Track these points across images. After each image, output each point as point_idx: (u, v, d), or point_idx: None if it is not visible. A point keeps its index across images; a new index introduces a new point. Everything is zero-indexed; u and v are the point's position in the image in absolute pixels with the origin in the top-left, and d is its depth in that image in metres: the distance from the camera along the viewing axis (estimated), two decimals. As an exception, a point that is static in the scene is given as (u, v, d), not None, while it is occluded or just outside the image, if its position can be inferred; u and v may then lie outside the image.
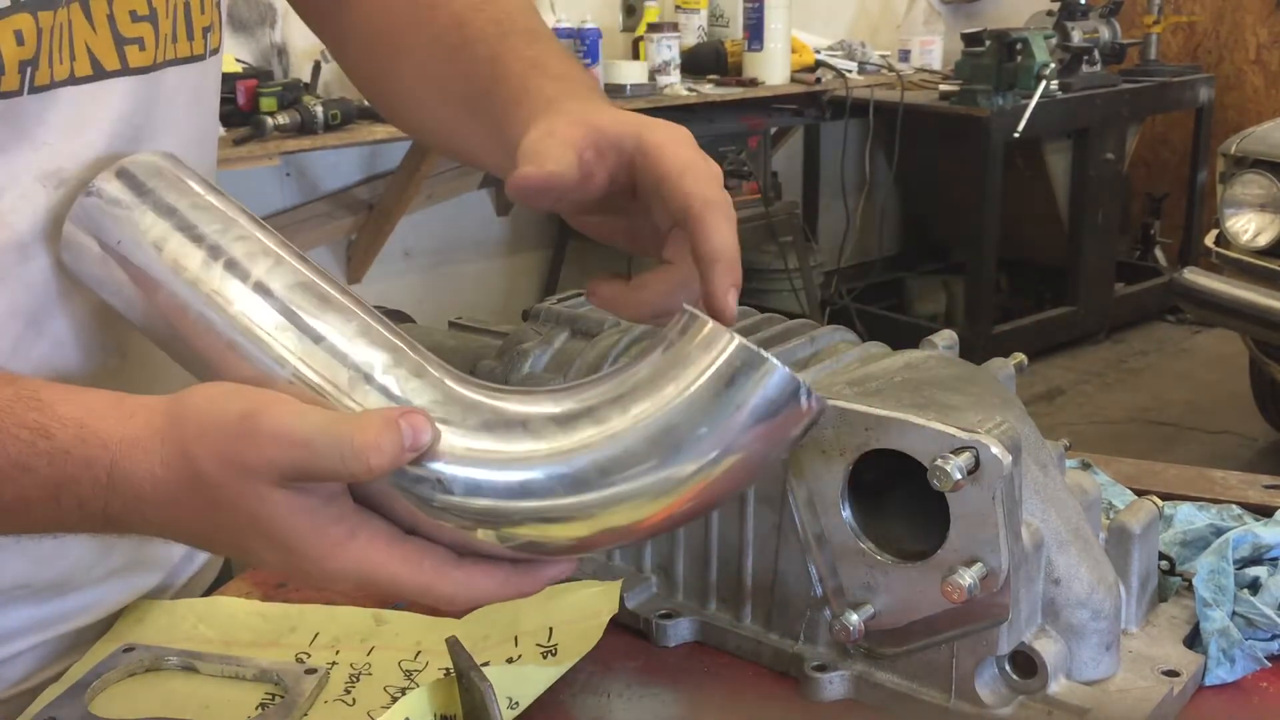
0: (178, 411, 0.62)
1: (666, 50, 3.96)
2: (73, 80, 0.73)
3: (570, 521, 0.59)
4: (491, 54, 0.81)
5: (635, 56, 4.10)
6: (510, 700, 0.69)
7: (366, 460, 0.57)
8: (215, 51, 0.85)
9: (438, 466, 0.59)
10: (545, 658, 0.75)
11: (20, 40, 0.69)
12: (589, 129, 0.69)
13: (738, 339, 0.59)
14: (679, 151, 0.69)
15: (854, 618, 0.69)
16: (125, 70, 0.76)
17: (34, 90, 0.71)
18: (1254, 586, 0.78)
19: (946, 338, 0.83)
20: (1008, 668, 0.70)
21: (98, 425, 0.62)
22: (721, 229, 0.67)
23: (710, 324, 0.59)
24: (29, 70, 0.70)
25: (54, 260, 0.74)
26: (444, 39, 0.86)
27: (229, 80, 3.14)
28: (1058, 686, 0.70)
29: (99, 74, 0.74)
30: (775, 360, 0.58)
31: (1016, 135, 4.25)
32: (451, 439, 0.59)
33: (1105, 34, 4.67)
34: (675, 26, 4.13)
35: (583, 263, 4.31)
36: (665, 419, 0.58)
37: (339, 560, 0.60)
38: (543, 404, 0.61)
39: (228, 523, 0.61)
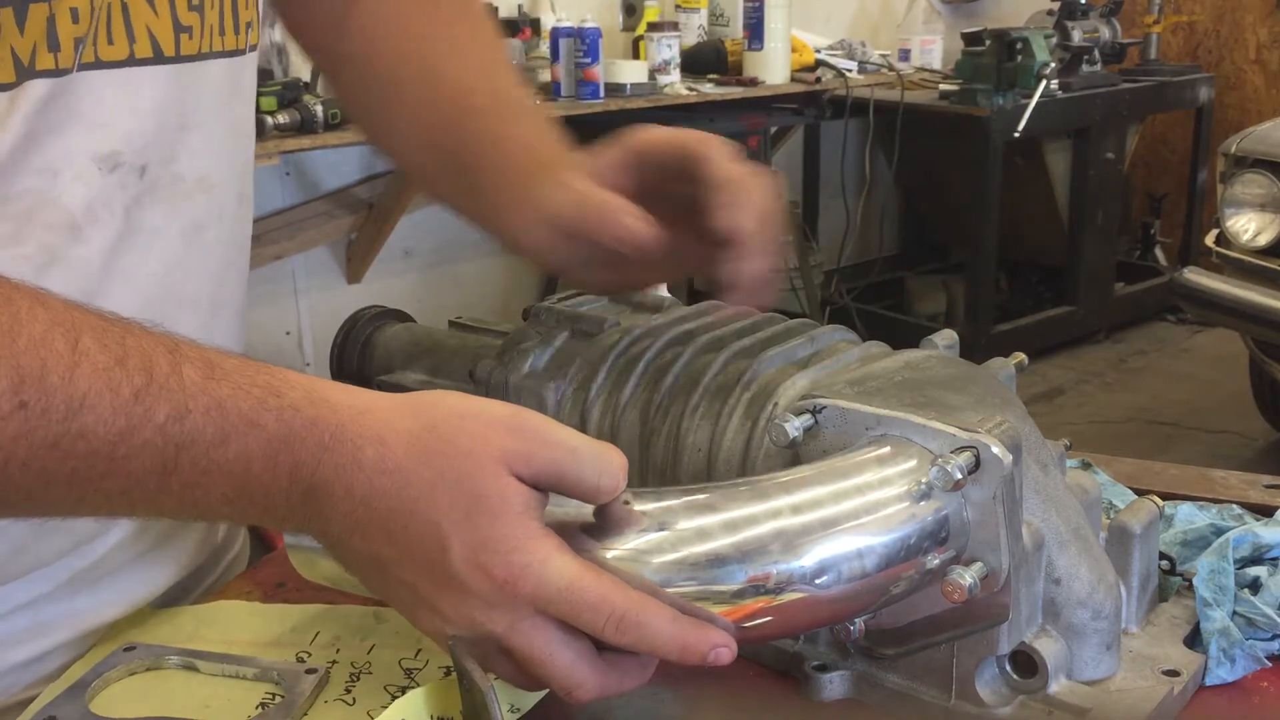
0: (423, 396, 0.65)
1: (666, 49, 3.96)
2: (132, 61, 0.74)
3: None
4: (494, 134, 0.90)
5: (635, 56, 4.10)
6: (511, 706, 0.69)
7: (616, 477, 0.62)
8: (254, 47, 0.87)
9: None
10: None
11: (75, 18, 0.70)
12: (627, 150, 0.82)
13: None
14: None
15: (855, 619, 0.69)
16: (178, 57, 0.77)
17: (89, 67, 0.72)
18: (1254, 586, 0.78)
19: (946, 338, 0.83)
20: (1008, 668, 0.70)
21: (325, 391, 0.63)
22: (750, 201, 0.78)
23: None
24: (81, 47, 0.71)
25: (105, 242, 0.75)
26: (440, 101, 0.93)
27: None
28: (1058, 686, 0.70)
29: (158, 58, 0.76)
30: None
31: (1016, 135, 4.25)
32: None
33: (1105, 33, 4.67)
34: (675, 26, 4.13)
35: (583, 262, 4.30)
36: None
37: (529, 551, 0.60)
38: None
39: (438, 501, 0.60)
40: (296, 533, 0.67)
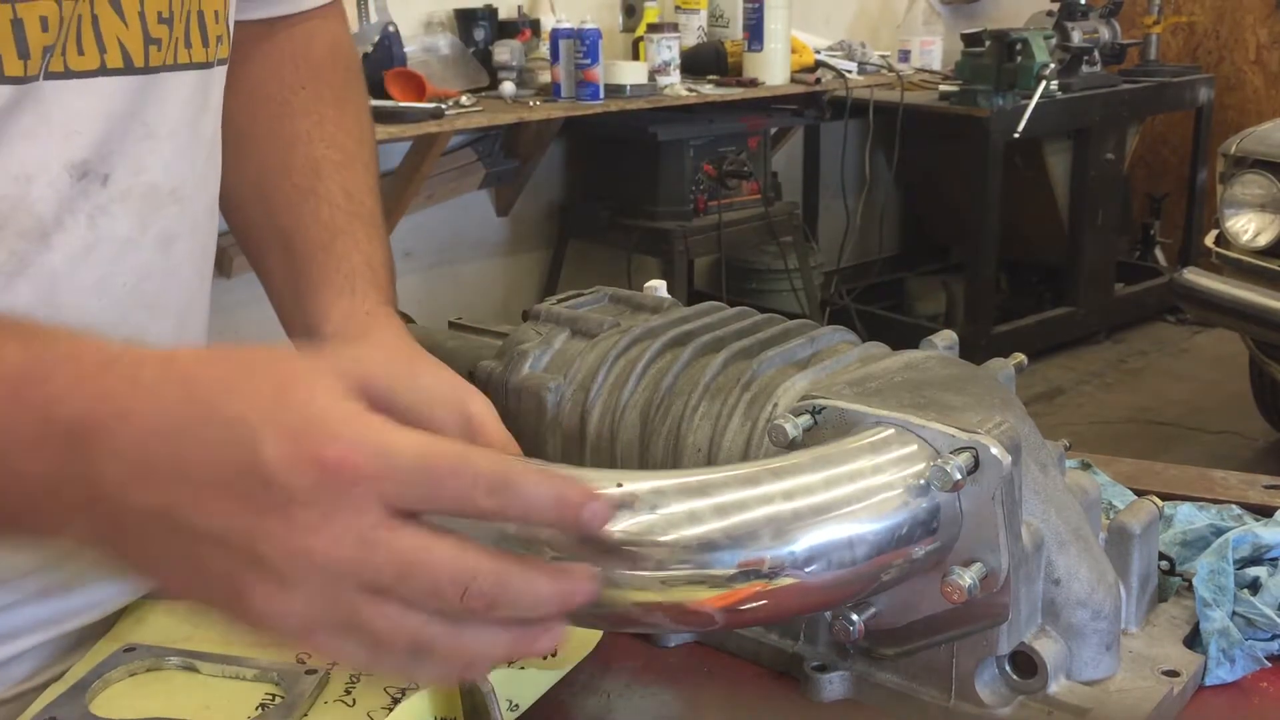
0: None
1: (666, 50, 3.96)
2: (103, 71, 0.75)
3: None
4: (335, 227, 0.91)
5: (635, 56, 4.10)
6: (510, 703, 0.69)
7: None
8: (223, 61, 0.87)
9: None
10: (545, 658, 0.74)
11: (45, 26, 0.70)
12: (415, 390, 0.71)
13: None
14: (499, 427, 0.74)
15: (854, 617, 0.69)
16: (147, 68, 0.78)
17: (58, 76, 0.72)
18: (1254, 586, 0.78)
19: (946, 338, 0.83)
20: (1008, 668, 0.70)
21: (88, 337, 0.54)
22: None
23: None
24: (48, 55, 0.71)
25: (71, 250, 0.76)
26: (296, 179, 0.93)
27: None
28: (1058, 686, 0.70)
29: (128, 68, 0.76)
30: None
31: (1016, 135, 4.25)
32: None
33: (1105, 34, 4.67)
34: (675, 27, 4.13)
35: (583, 263, 4.31)
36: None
37: (363, 425, 0.48)
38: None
39: (239, 391, 0.49)
40: (62, 520, 0.51)
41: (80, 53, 0.73)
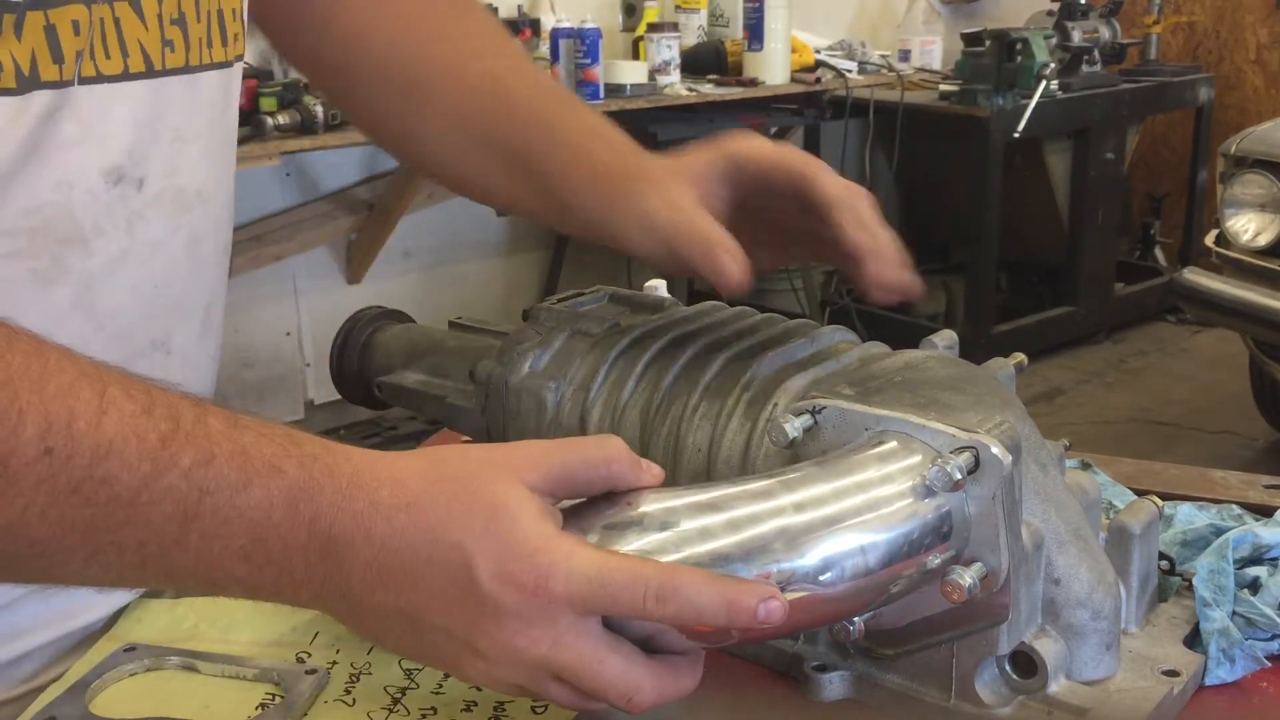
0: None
1: (666, 50, 3.96)
2: (126, 75, 0.75)
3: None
4: (545, 119, 0.91)
5: (635, 56, 4.10)
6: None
7: (622, 454, 0.64)
8: (240, 58, 0.88)
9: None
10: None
11: (76, 30, 0.71)
12: (716, 159, 0.85)
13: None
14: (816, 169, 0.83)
15: (854, 618, 0.69)
16: (165, 70, 0.78)
17: (90, 80, 0.73)
18: (1254, 586, 0.78)
19: (946, 338, 0.83)
20: (1008, 668, 0.70)
21: (339, 444, 0.64)
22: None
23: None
24: (80, 60, 0.72)
25: (109, 255, 0.77)
26: (483, 97, 0.93)
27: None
28: (1058, 686, 0.70)
29: (149, 71, 0.77)
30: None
31: (1016, 135, 4.25)
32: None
33: (1105, 34, 4.67)
34: (675, 26, 4.13)
35: (582, 263, 4.31)
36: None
37: (552, 550, 0.59)
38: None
39: (456, 520, 0.60)
40: (312, 601, 0.64)
41: (107, 56, 0.74)
